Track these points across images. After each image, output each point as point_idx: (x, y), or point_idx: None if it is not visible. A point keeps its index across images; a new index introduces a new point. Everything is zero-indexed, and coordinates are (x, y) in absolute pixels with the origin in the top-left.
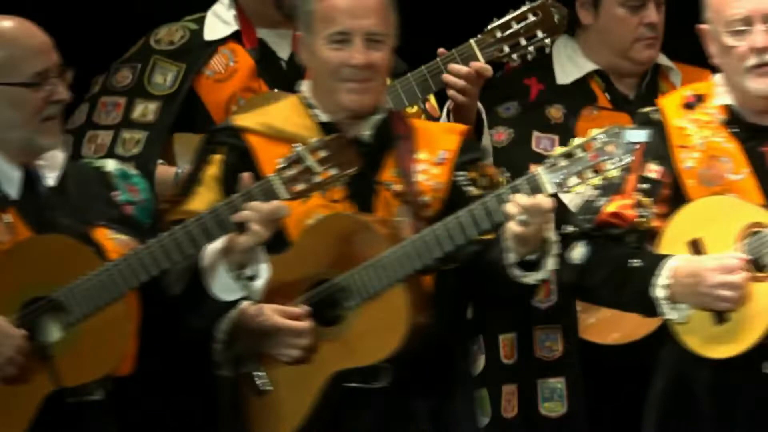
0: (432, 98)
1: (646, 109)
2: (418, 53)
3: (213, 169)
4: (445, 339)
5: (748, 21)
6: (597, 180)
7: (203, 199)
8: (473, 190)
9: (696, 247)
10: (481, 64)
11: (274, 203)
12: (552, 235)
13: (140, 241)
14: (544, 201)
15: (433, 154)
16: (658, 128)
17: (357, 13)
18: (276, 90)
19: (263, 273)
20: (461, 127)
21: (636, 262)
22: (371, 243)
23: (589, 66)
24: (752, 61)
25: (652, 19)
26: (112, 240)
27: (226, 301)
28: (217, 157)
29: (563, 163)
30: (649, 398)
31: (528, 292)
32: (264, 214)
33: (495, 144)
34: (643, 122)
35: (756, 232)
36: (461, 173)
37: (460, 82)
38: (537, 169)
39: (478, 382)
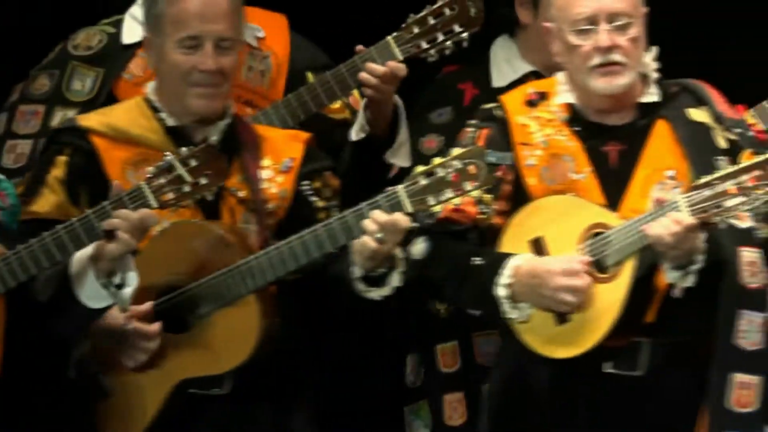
0: (356, 92)
1: (489, 105)
2: (337, 50)
3: (57, 170)
4: (287, 347)
5: (592, 20)
6: (457, 200)
7: (48, 201)
8: (317, 201)
9: (538, 246)
10: (396, 64)
11: (143, 211)
12: (399, 252)
13: (7, 246)
14: (401, 219)
15: (277, 162)
16: (501, 125)
17: (208, 18)
18: None
19: (132, 281)
20: (305, 135)
21: (478, 260)
22: (221, 251)
23: (525, 68)
24: (596, 60)
25: None
26: None
27: (94, 308)
28: (62, 159)
29: (424, 182)
30: (487, 391)
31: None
32: (133, 222)
33: (425, 151)
34: (486, 118)
35: (598, 233)
36: (306, 182)
37: (374, 81)
38: (397, 187)
39: (416, 395)
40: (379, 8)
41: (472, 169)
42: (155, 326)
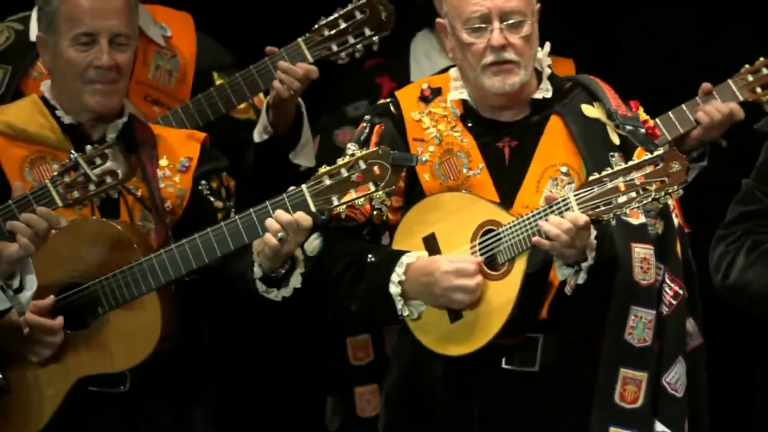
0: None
1: (384, 101)
2: (247, 52)
3: None
4: (188, 346)
5: (486, 19)
6: (361, 200)
7: None
8: (215, 201)
9: (430, 243)
10: (307, 66)
11: (49, 216)
12: (300, 253)
13: None
14: (303, 219)
15: (174, 161)
16: (395, 120)
17: (102, 14)
18: None
19: (31, 284)
20: (201, 135)
21: (371, 257)
22: (121, 249)
23: (445, 62)
24: (489, 58)
25: None
26: None
27: None
28: None
29: (328, 182)
30: (384, 387)
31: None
32: (39, 230)
33: (340, 144)
34: (381, 113)
35: (490, 230)
36: (203, 182)
37: (287, 78)
38: (302, 186)
39: (323, 388)
40: (289, 9)
41: (376, 170)
42: (58, 320)
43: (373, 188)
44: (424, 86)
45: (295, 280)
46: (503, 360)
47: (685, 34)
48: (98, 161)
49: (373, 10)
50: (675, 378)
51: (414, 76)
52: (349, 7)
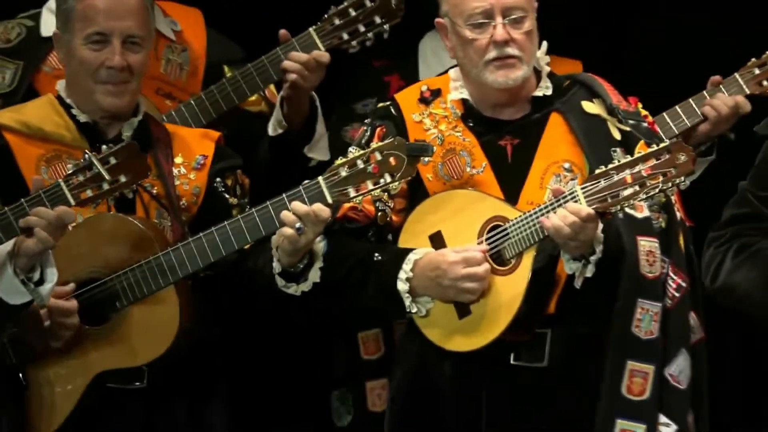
0: (272, 85)
1: (385, 104)
2: (258, 42)
3: None
4: (203, 341)
5: (488, 14)
6: (377, 191)
7: None
8: (230, 198)
9: (437, 241)
10: (319, 52)
11: (61, 209)
12: (319, 247)
13: None
14: (321, 209)
15: (190, 159)
16: (396, 122)
17: (116, 14)
18: None
19: (51, 277)
20: (215, 134)
21: (378, 257)
22: (139, 245)
23: (452, 62)
24: (492, 53)
25: None
26: None
27: (13, 304)
28: None
29: (344, 173)
30: (390, 385)
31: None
32: (50, 220)
33: (349, 140)
34: (382, 116)
35: (496, 226)
36: (218, 179)
37: (299, 67)
38: (318, 179)
39: (337, 383)
40: (298, 3)
41: (392, 161)
42: (72, 302)
43: (389, 179)
44: (423, 88)
45: (314, 275)
46: (511, 356)
47: (693, 29)
48: (112, 161)
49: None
50: (678, 370)
51: (422, 75)
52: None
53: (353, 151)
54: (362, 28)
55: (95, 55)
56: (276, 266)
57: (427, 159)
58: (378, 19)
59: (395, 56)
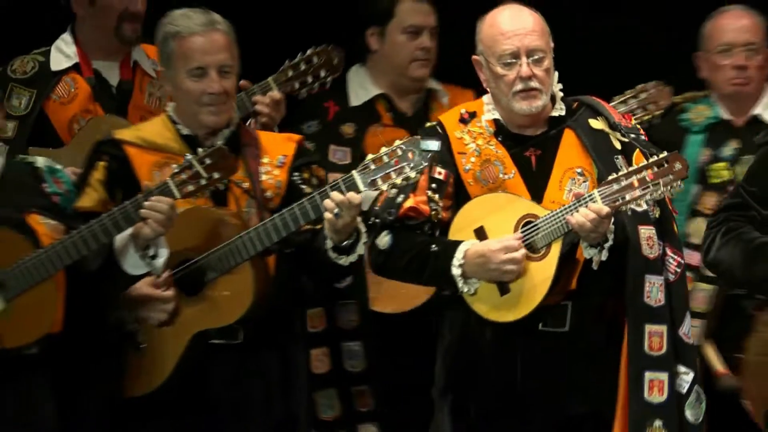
0: None
1: (431, 124)
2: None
3: (98, 173)
4: (284, 306)
5: (515, 55)
6: (399, 180)
7: (91, 197)
8: (306, 188)
9: (480, 234)
10: (276, 94)
11: (168, 203)
12: (362, 226)
13: (66, 225)
14: (354, 197)
15: (274, 158)
16: (443, 139)
17: (211, 51)
18: (108, 114)
19: (164, 253)
20: (297, 137)
21: (434, 247)
22: (225, 230)
23: (375, 90)
24: (518, 86)
25: (426, 45)
26: (43, 224)
27: (134, 275)
28: (102, 164)
29: (373, 167)
30: (439, 351)
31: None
32: (162, 211)
33: None
34: (430, 134)
35: (529, 222)
36: (296, 174)
37: (264, 108)
38: (353, 172)
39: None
40: (260, 51)
41: (410, 155)
42: (170, 292)
43: (407, 170)
44: (462, 111)
45: (360, 249)
46: (540, 324)
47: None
48: (207, 161)
49: (327, 56)
50: (687, 329)
51: (352, 101)
52: (308, 52)
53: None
54: (310, 80)
55: (197, 85)
56: (329, 243)
57: (435, 148)
58: (323, 73)
59: (330, 86)
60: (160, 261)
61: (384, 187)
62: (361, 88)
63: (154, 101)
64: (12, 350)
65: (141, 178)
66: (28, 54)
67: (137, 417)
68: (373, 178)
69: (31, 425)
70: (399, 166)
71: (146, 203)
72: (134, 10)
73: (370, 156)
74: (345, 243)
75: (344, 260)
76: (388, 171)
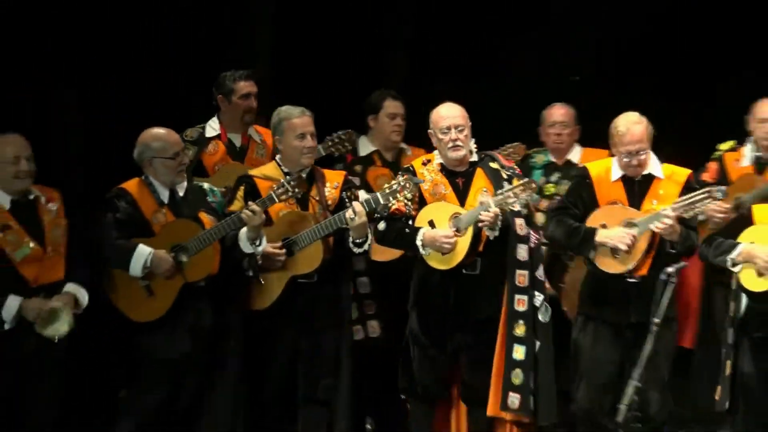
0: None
1: (407, 167)
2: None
3: (240, 192)
4: (337, 264)
5: (448, 128)
6: (401, 198)
7: (236, 205)
8: (348, 203)
9: (431, 224)
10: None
11: (258, 212)
12: (370, 232)
13: (218, 220)
14: (361, 211)
15: (332, 184)
16: (414, 174)
17: (306, 125)
18: (234, 162)
19: (263, 242)
20: (344, 172)
21: (407, 231)
22: (306, 222)
23: (372, 148)
24: (450, 144)
25: (400, 123)
26: (207, 218)
27: (246, 252)
28: (242, 187)
29: (387, 191)
30: (411, 284)
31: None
32: (252, 217)
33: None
34: (410, 172)
35: (456, 215)
36: (344, 193)
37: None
38: (377, 192)
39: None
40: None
41: (407, 185)
42: (282, 251)
43: (404, 193)
44: (424, 159)
45: (367, 245)
46: (463, 270)
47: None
48: (293, 183)
49: (349, 136)
50: (540, 272)
51: (360, 153)
52: (340, 133)
53: (395, 181)
54: (340, 147)
55: (300, 144)
56: (350, 238)
57: (419, 183)
58: (347, 144)
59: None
60: (260, 247)
61: (393, 204)
62: (364, 147)
63: (258, 156)
64: (192, 283)
65: (263, 195)
66: (193, 127)
67: (262, 328)
68: (387, 197)
69: (200, 330)
70: (400, 191)
71: (244, 215)
72: (251, 107)
73: (387, 184)
74: (359, 240)
75: (358, 250)
76: (394, 194)
